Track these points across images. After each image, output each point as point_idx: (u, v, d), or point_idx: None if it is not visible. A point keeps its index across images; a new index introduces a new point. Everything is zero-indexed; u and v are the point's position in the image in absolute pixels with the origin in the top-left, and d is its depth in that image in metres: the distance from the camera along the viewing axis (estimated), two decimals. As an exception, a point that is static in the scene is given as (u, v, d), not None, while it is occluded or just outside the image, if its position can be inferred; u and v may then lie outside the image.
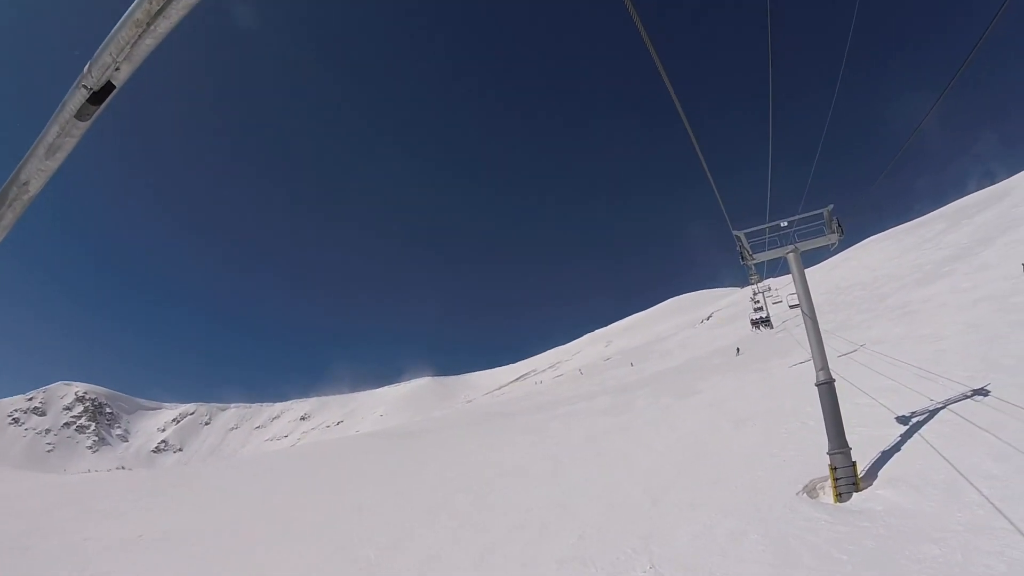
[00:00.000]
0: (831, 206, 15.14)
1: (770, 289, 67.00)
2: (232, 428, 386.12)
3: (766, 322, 60.44)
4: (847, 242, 16.75)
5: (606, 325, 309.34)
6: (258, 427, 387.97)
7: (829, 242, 15.50)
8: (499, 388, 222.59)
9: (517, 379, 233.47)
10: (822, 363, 14.21)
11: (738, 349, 55.32)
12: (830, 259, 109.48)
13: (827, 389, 13.84)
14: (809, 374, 22.97)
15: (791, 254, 15.45)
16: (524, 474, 27.74)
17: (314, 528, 25.35)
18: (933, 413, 15.90)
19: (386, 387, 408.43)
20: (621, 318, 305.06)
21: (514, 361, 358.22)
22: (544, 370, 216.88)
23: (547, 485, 24.00)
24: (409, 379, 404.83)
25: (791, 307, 59.13)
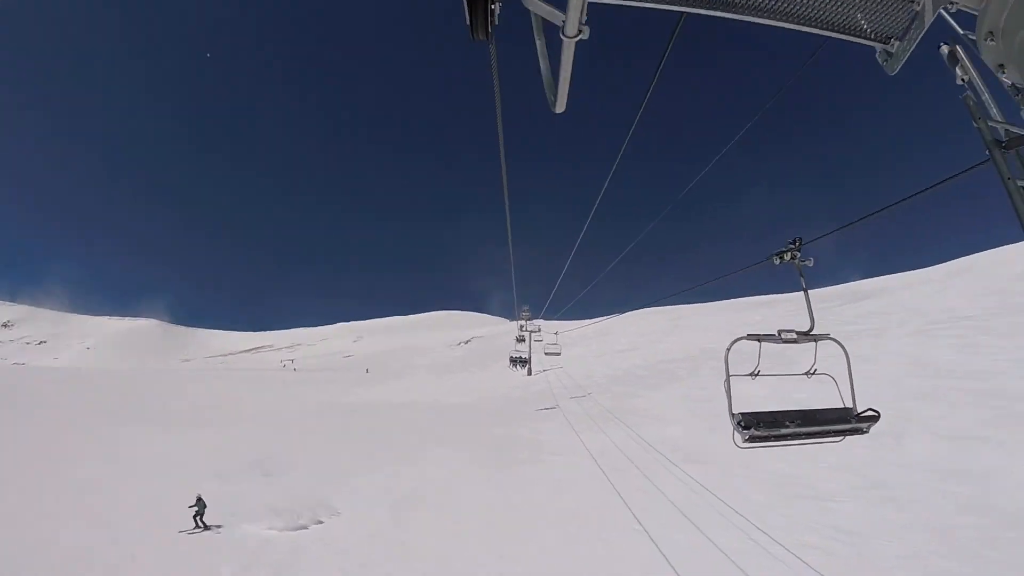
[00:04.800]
0: None
1: (539, 330, 62.84)
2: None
3: (524, 363, 57.26)
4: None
5: (363, 319, 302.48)
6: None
7: None
8: (225, 355, 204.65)
9: (250, 350, 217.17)
10: None
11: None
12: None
13: None
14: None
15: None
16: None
17: None
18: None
19: (107, 317, 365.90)
20: (382, 316, 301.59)
21: (255, 329, 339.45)
22: (281, 348, 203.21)
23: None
24: (136, 316, 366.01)
25: (546, 354, 56.74)
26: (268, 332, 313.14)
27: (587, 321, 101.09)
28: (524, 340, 60.43)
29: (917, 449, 19.42)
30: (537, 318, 63.80)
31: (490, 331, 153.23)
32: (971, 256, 65.71)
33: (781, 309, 64.08)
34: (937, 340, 34.28)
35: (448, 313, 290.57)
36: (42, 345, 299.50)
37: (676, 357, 48.05)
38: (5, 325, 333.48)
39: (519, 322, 64.88)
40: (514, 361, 57.59)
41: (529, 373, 57.67)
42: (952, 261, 67.44)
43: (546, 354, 54.82)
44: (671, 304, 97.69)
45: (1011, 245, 62.20)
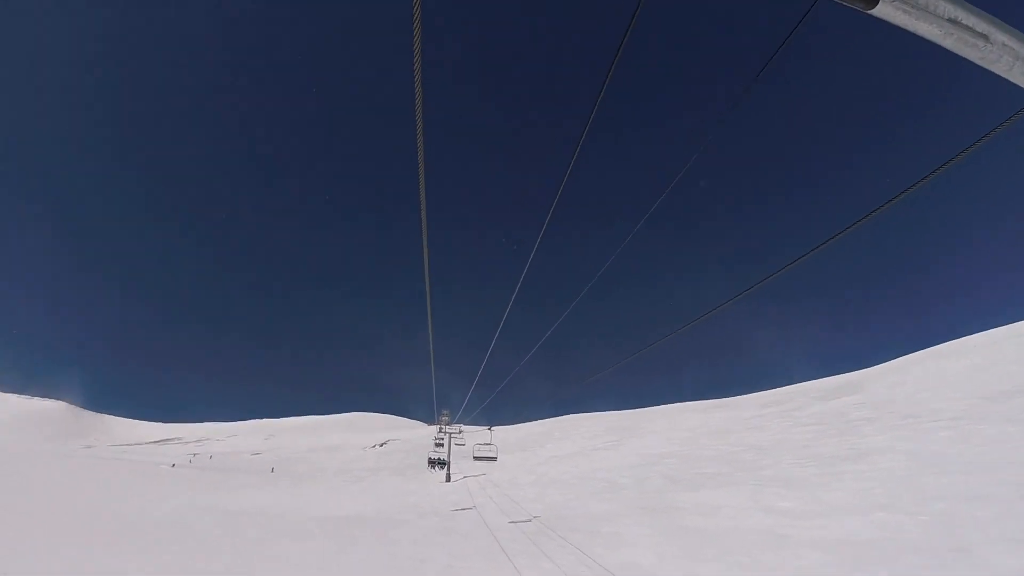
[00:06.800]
0: None
1: (460, 432, 58.92)
2: None
3: (443, 464, 54.86)
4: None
5: (278, 417, 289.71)
6: None
7: None
8: (131, 444, 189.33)
9: (157, 441, 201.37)
10: None
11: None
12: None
13: None
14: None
15: None
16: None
17: None
18: None
19: (12, 395, 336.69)
20: (298, 415, 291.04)
21: (166, 420, 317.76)
22: (189, 442, 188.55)
23: None
24: (46, 397, 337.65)
25: (475, 458, 50.68)
26: (179, 424, 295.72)
27: (509, 427, 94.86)
28: (443, 444, 58.08)
29: (999, 561, 13.88)
30: (456, 422, 60.40)
31: (407, 435, 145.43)
32: (915, 354, 64.10)
33: (746, 412, 58.97)
34: (930, 433, 29.96)
35: (365, 415, 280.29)
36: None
37: (615, 465, 42.13)
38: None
39: (438, 425, 62.44)
40: (432, 463, 55.40)
41: (448, 479, 51.29)
42: (906, 356, 65.57)
43: (476, 458, 46.74)
44: (605, 411, 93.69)
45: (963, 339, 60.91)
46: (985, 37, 1.90)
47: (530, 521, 26.11)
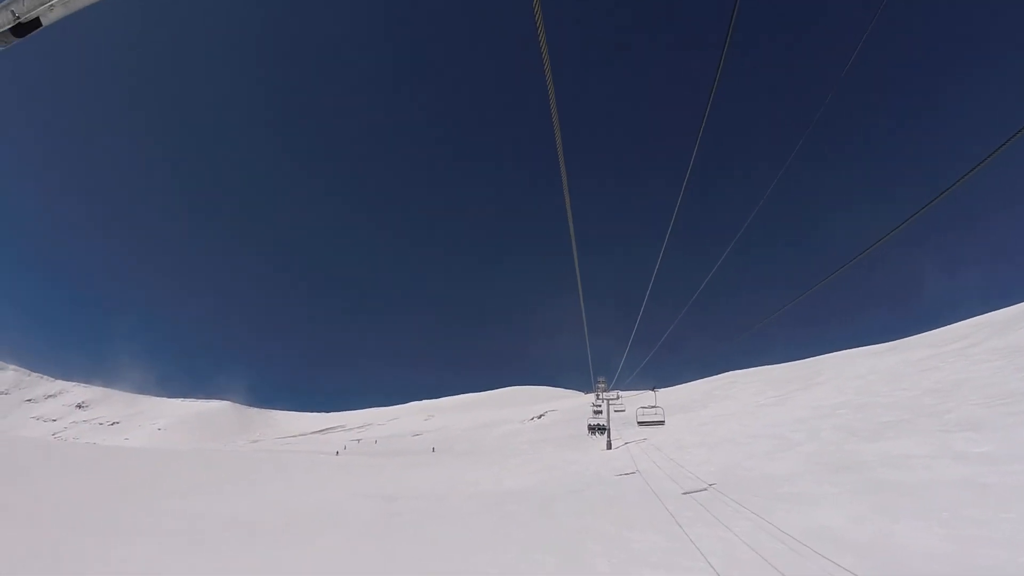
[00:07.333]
0: None
1: (618, 398, 58.84)
2: (1, 393, 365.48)
3: (603, 430, 54.93)
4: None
5: (436, 398, 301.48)
6: (29, 400, 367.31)
7: None
8: (295, 436, 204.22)
9: (321, 431, 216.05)
10: None
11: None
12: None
13: None
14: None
15: None
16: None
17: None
18: None
19: (180, 399, 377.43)
20: (455, 393, 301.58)
21: (328, 410, 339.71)
22: (352, 428, 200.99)
23: None
24: (207, 398, 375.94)
25: (640, 423, 48.97)
26: (341, 413, 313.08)
27: (667, 389, 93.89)
28: (601, 411, 58.07)
29: None
30: (613, 388, 59.77)
31: (564, 404, 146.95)
32: None
33: (919, 352, 54.62)
34: None
35: (522, 388, 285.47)
36: (115, 426, 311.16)
37: (785, 420, 40.89)
38: (80, 406, 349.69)
39: (595, 393, 61.60)
40: (592, 429, 55.68)
41: (609, 447, 51.80)
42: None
43: (640, 423, 43.77)
44: (768, 364, 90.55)
45: None
46: None
47: (706, 490, 25.86)
